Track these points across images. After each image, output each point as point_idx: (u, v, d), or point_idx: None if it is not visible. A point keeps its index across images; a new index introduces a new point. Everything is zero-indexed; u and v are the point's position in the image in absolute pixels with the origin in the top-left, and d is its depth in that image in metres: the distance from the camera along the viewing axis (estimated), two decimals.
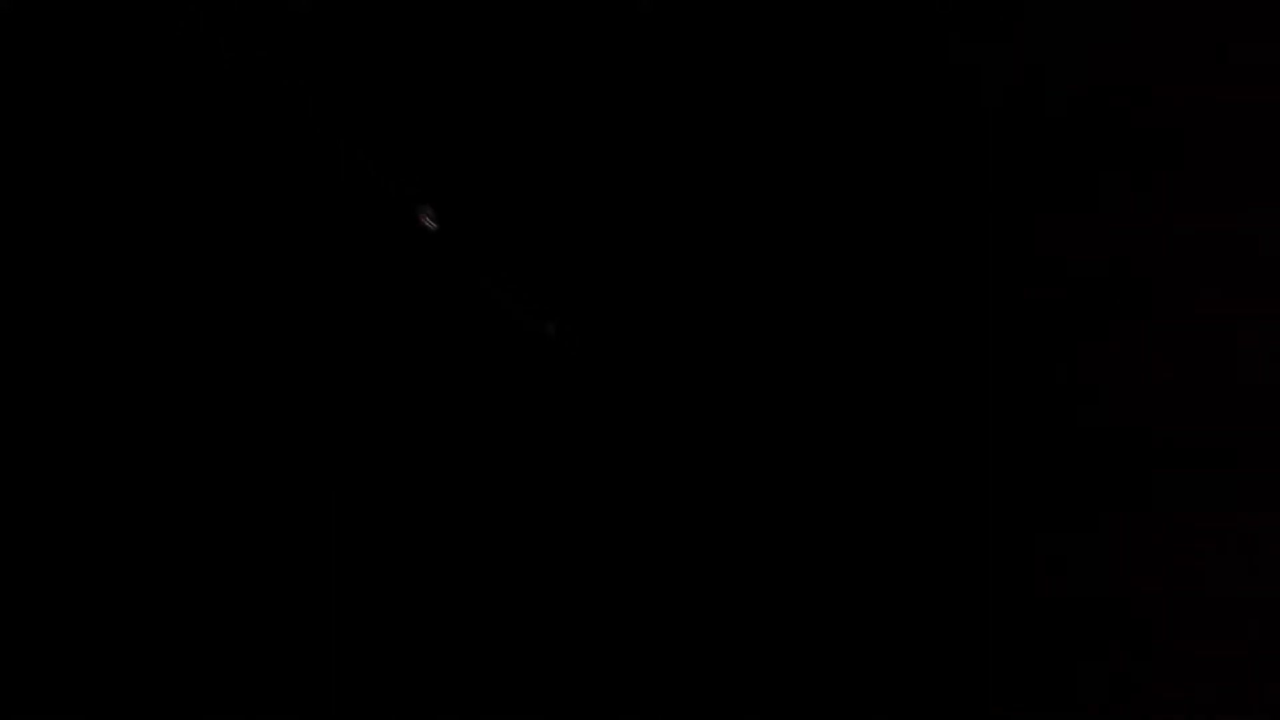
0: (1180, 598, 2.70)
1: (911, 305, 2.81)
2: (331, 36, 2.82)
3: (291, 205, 2.80)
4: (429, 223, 2.23)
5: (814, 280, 2.83)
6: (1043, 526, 2.73)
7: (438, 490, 2.76)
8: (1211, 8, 2.86)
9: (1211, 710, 2.67)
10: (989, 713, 2.68)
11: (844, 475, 2.77)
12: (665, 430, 2.79)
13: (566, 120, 2.85)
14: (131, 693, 2.67)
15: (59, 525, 2.71)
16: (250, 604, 2.71)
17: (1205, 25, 2.86)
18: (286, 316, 2.78)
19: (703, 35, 2.87)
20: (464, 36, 2.84)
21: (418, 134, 2.83)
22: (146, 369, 2.76)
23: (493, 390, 2.79)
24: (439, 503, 2.76)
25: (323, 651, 2.70)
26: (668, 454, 2.79)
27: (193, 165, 2.80)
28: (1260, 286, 2.80)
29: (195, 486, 2.74)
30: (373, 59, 2.83)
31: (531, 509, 2.76)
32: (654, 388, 2.80)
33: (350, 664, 2.70)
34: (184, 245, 2.79)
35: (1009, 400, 2.78)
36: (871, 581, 2.74)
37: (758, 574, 2.75)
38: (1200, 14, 2.86)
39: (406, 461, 2.76)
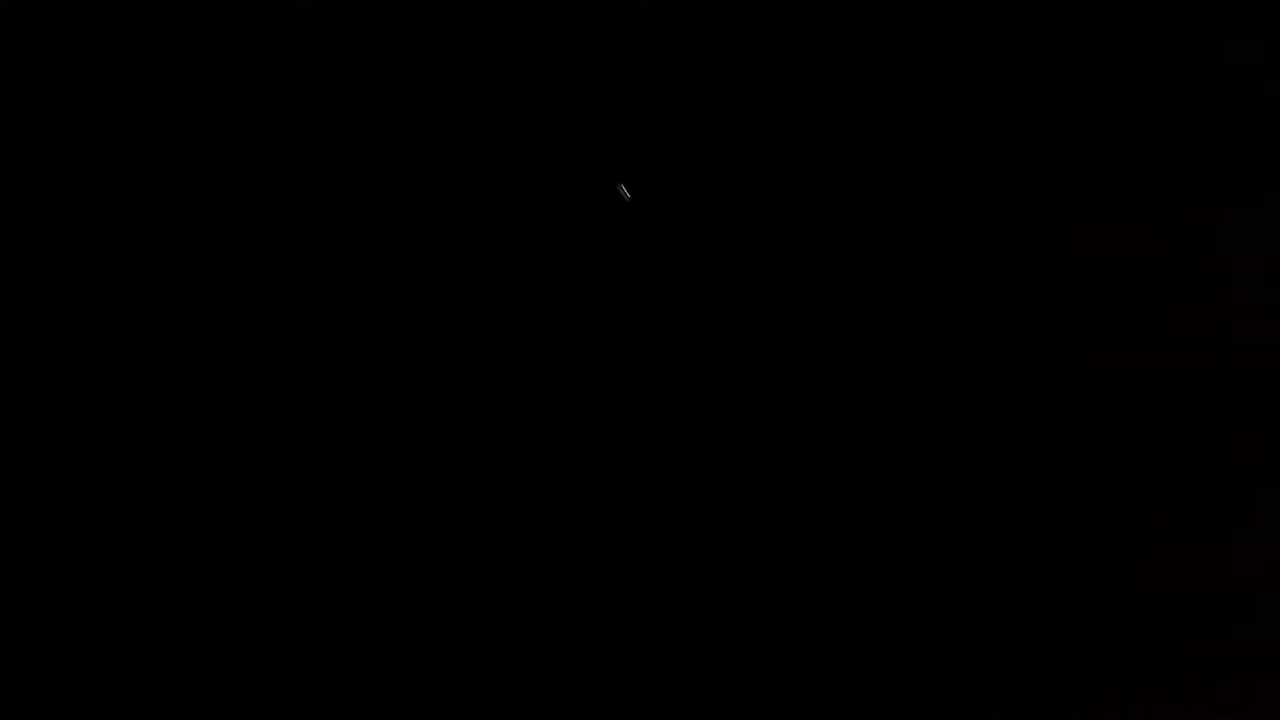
0: (1176, 598, 2.70)
1: (905, 304, 2.81)
2: (331, 36, 2.82)
3: (291, 205, 2.80)
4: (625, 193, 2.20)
5: (806, 285, 2.83)
6: (1037, 527, 2.73)
7: (437, 488, 2.76)
8: (1211, 8, 2.86)
9: (1210, 711, 2.67)
10: (989, 717, 2.68)
11: (842, 477, 2.77)
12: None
13: (566, 120, 2.85)
14: (131, 693, 2.68)
15: (59, 525, 2.71)
16: (250, 604, 2.71)
17: (1205, 25, 2.86)
18: (285, 315, 2.78)
19: (703, 35, 2.87)
20: (463, 37, 2.85)
21: (416, 134, 2.83)
22: (145, 368, 2.76)
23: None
24: (438, 501, 2.76)
25: (323, 651, 2.70)
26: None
27: (193, 165, 2.80)
28: (1259, 286, 2.80)
29: (195, 486, 2.74)
30: (372, 59, 2.83)
31: (531, 502, 2.76)
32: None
33: (350, 664, 2.70)
34: (183, 244, 2.79)
35: (1006, 400, 2.78)
36: (871, 581, 2.74)
37: (757, 571, 2.75)
38: (1200, 14, 2.86)
39: (406, 459, 2.77)
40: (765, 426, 2.79)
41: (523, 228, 2.83)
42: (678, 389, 2.80)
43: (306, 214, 2.80)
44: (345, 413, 2.77)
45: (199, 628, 2.69)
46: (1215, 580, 2.71)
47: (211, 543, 2.72)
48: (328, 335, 2.78)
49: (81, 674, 2.67)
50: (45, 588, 2.69)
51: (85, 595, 2.69)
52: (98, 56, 2.80)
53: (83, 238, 2.78)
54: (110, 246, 2.78)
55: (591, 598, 2.74)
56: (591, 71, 2.85)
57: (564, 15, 2.84)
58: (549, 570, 2.75)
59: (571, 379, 2.80)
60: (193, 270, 2.78)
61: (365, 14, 2.82)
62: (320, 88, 2.81)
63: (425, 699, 2.70)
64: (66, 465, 2.72)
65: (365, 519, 2.74)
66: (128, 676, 2.68)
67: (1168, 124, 2.85)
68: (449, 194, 2.83)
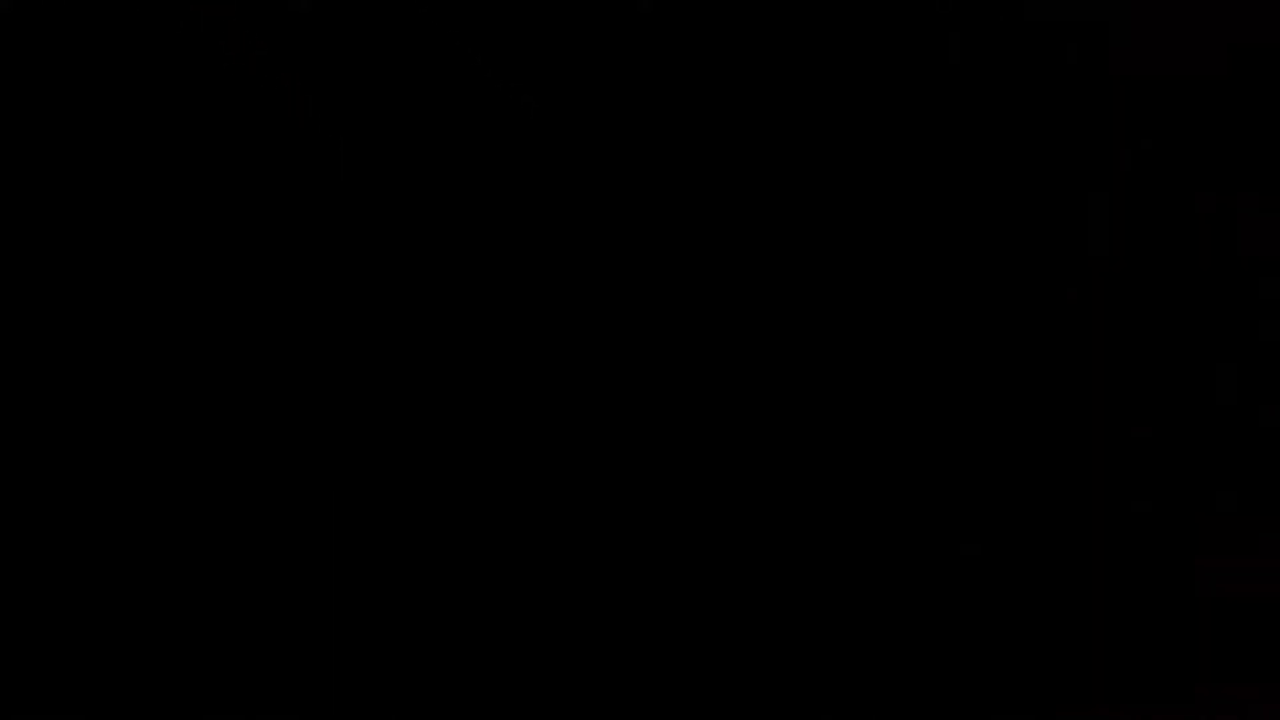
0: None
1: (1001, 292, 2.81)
2: (331, 36, 2.82)
3: (291, 205, 2.80)
4: None
5: (835, 294, 2.83)
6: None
7: (437, 488, 2.76)
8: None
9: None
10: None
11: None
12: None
13: (566, 120, 2.85)
14: (131, 693, 2.67)
15: (59, 525, 2.71)
16: (250, 604, 2.71)
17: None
18: (285, 315, 2.78)
19: (703, 35, 2.87)
20: (464, 36, 2.85)
21: (416, 134, 2.84)
22: (144, 367, 2.76)
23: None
24: (438, 501, 2.76)
25: (323, 651, 2.70)
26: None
27: (193, 165, 2.80)
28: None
29: (195, 487, 2.74)
30: (372, 59, 2.83)
31: (533, 499, 2.76)
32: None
33: (350, 664, 2.70)
34: (183, 244, 2.79)
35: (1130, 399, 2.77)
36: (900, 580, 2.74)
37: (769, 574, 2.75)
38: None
39: (405, 459, 2.76)
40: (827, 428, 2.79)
41: (523, 227, 2.83)
42: (693, 391, 2.80)
43: (306, 214, 2.80)
44: (345, 413, 2.77)
45: (199, 627, 2.69)
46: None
47: (211, 543, 2.72)
48: (327, 335, 2.78)
49: (81, 674, 2.67)
50: (45, 588, 2.69)
51: (85, 595, 2.69)
52: (98, 56, 2.80)
53: (82, 237, 2.78)
54: (110, 245, 2.78)
55: (593, 598, 2.74)
56: (592, 71, 2.85)
57: (564, 15, 2.84)
58: (550, 570, 2.74)
59: (575, 380, 2.79)
60: (192, 269, 2.78)
61: (365, 14, 2.83)
62: (320, 88, 2.81)
63: (425, 699, 2.69)
64: (66, 465, 2.72)
65: (365, 519, 2.74)
66: (128, 676, 2.68)
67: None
68: (448, 194, 2.83)
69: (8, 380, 2.74)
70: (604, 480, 2.77)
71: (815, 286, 2.84)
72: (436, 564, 2.74)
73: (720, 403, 2.80)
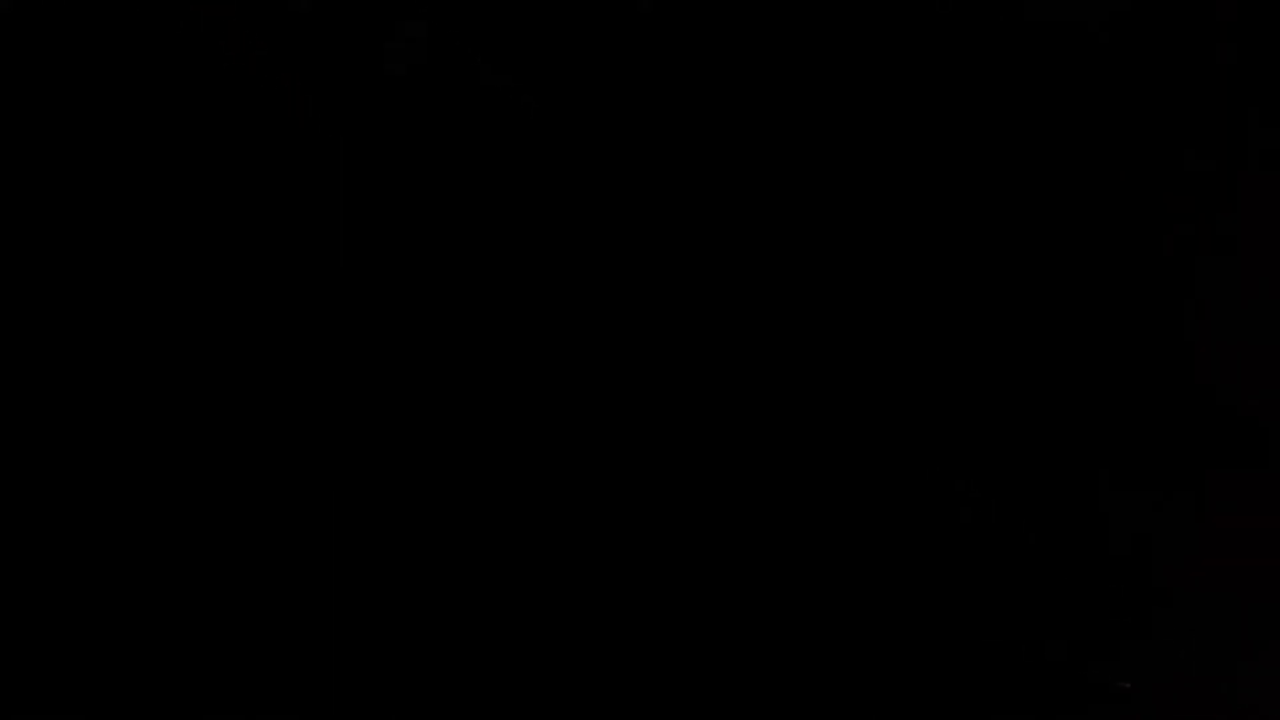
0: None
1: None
2: (331, 36, 2.83)
3: (291, 205, 2.80)
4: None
5: (829, 298, 2.83)
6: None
7: (437, 488, 2.76)
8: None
9: None
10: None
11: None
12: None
13: (565, 119, 2.85)
14: (131, 693, 2.67)
15: (59, 525, 2.71)
16: (250, 604, 2.71)
17: None
18: (285, 315, 2.78)
19: (703, 35, 2.87)
20: (463, 36, 2.85)
21: (416, 134, 2.84)
22: (146, 369, 2.76)
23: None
24: (438, 501, 2.76)
25: (323, 651, 2.70)
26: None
27: (193, 165, 2.80)
28: None
29: (195, 486, 2.74)
30: (371, 60, 2.84)
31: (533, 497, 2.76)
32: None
33: (350, 664, 2.70)
34: (182, 245, 2.79)
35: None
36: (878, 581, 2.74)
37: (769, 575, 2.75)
38: None
39: (406, 458, 2.76)
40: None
41: (523, 227, 2.83)
42: (693, 391, 2.80)
43: (306, 214, 2.80)
44: (345, 413, 2.77)
45: (199, 627, 2.69)
46: None
47: (211, 542, 2.72)
48: (327, 334, 2.78)
49: (81, 674, 2.67)
50: (45, 588, 2.69)
51: (85, 595, 2.69)
52: (98, 56, 2.80)
53: (82, 238, 2.78)
54: (109, 247, 2.78)
55: (593, 597, 2.74)
56: (592, 71, 2.85)
57: (564, 15, 2.84)
58: (551, 571, 2.74)
59: (574, 380, 2.79)
60: (192, 270, 2.78)
61: (365, 14, 2.83)
62: (320, 88, 2.81)
63: (425, 699, 2.69)
64: (66, 465, 2.72)
65: (365, 519, 2.74)
66: (128, 676, 2.67)
67: None
68: (448, 193, 2.83)
69: (6, 380, 2.74)
70: (603, 480, 2.77)
71: (817, 286, 2.84)
72: (436, 564, 2.74)
73: (720, 401, 2.80)
